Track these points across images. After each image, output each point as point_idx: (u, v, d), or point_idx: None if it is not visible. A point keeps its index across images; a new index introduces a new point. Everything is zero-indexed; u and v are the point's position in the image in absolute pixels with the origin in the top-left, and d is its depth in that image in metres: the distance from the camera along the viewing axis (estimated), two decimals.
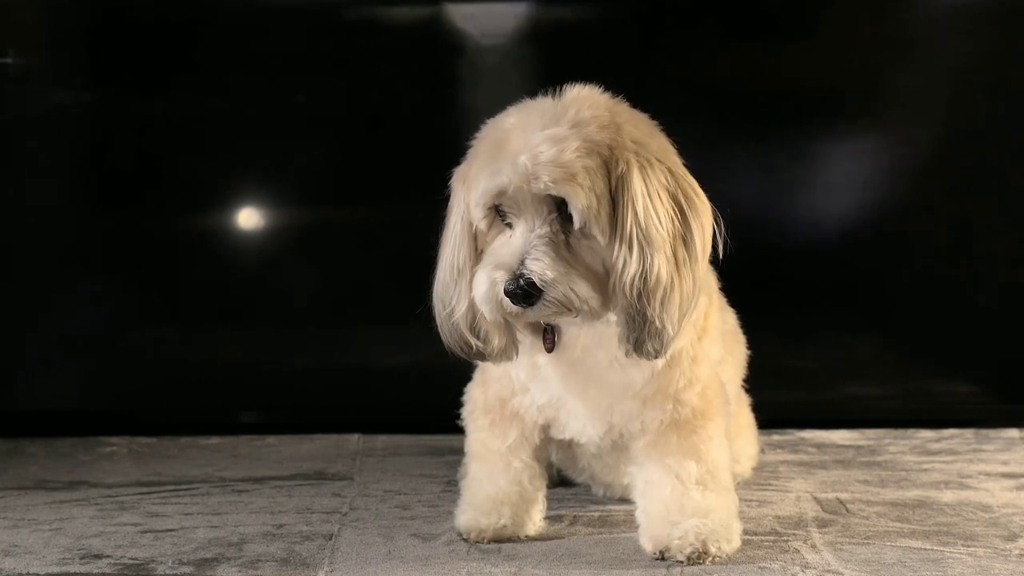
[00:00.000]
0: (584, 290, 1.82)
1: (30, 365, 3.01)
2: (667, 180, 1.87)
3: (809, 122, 2.96)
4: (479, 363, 2.09)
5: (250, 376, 3.01)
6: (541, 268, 1.80)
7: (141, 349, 2.99)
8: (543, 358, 1.98)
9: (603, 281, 1.84)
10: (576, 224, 1.83)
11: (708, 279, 2.01)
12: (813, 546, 2.03)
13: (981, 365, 3.00)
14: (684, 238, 1.86)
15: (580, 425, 2.02)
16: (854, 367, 3.02)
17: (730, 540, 1.96)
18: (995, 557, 1.97)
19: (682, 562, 1.93)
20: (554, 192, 1.82)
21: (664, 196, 1.86)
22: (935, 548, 2.02)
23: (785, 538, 2.08)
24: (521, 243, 1.83)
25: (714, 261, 2.24)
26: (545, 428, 2.07)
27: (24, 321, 2.99)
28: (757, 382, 2.40)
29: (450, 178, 2.01)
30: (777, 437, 2.82)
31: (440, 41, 2.94)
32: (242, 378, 3.01)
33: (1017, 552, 2.00)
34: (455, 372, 2.22)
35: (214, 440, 2.89)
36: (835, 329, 3.00)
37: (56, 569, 1.97)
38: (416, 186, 2.96)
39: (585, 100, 1.91)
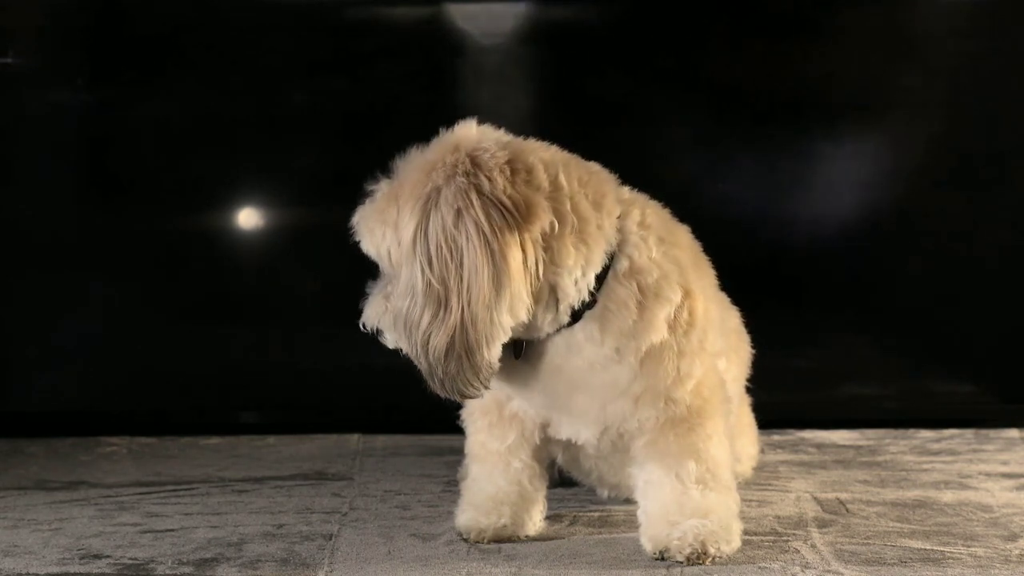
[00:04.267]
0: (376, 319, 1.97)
1: (30, 365, 3.01)
2: None
3: (809, 122, 2.96)
4: None
5: (250, 376, 3.01)
6: (367, 317, 1.96)
7: (141, 349, 2.99)
8: (520, 370, 1.97)
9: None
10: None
11: (682, 272, 1.97)
12: (813, 546, 2.03)
13: (981, 365, 3.01)
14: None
15: (574, 428, 2.02)
16: (854, 367, 3.02)
17: (729, 541, 1.95)
18: (995, 557, 1.97)
19: (681, 562, 1.92)
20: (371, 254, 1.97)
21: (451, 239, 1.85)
22: (935, 548, 2.02)
23: (785, 538, 2.08)
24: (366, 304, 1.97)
25: (713, 260, 2.25)
26: (545, 427, 2.07)
27: (24, 321, 2.99)
28: (757, 382, 2.40)
29: None
30: (777, 437, 2.82)
31: (440, 41, 2.94)
32: (242, 378, 3.01)
33: (1017, 552, 2.00)
34: None
35: (214, 440, 2.89)
36: (835, 329, 3.00)
37: (56, 569, 1.97)
38: None
39: (440, 144, 1.97)
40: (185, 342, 3.00)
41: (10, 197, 2.97)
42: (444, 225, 1.82)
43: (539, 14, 2.96)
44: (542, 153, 1.91)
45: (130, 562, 2.00)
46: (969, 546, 2.03)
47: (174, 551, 2.06)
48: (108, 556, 2.03)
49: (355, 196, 3.01)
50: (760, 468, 2.51)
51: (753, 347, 2.33)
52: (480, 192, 1.82)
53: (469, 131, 1.94)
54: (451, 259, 1.81)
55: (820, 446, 2.76)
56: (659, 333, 1.91)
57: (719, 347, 2.05)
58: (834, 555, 1.99)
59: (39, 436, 2.89)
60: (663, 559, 1.94)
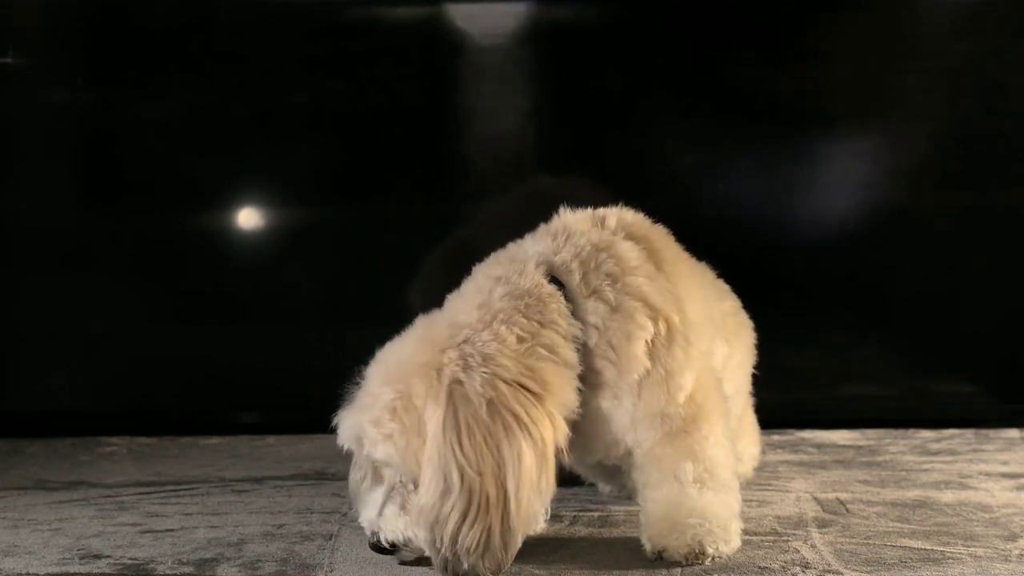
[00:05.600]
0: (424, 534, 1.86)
1: (30, 365, 3.01)
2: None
3: (810, 122, 2.96)
4: None
5: (250, 376, 3.01)
6: (388, 526, 1.90)
7: (141, 349, 2.99)
8: None
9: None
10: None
11: (646, 301, 1.95)
12: (813, 546, 2.03)
13: (981, 365, 3.01)
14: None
15: (577, 456, 2.03)
16: (854, 367, 3.02)
17: (728, 540, 1.95)
18: (995, 557, 1.97)
19: (680, 562, 1.92)
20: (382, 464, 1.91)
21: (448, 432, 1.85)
22: (935, 548, 2.02)
23: (785, 538, 2.07)
24: (367, 517, 1.92)
25: (713, 260, 2.25)
26: None
27: (24, 321, 2.99)
28: (757, 382, 2.40)
29: None
30: (777, 437, 2.82)
31: (440, 41, 2.94)
32: (242, 378, 3.01)
33: (1017, 552, 2.00)
34: None
35: (214, 440, 2.89)
36: (835, 329, 3.00)
37: (56, 569, 1.97)
38: (416, 186, 2.98)
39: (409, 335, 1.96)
40: (185, 342, 3.00)
41: (10, 197, 2.97)
42: (477, 417, 1.81)
43: (539, 14, 2.96)
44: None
45: (130, 562, 2.00)
46: (969, 546, 2.03)
47: (174, 551, 2.06)
48: (108, 556, 2.03)
49: (355, 195, 3.03)
50: (760, 468, 2.51)
51: (755, 347, 2.33)
52: (505, 380, 1.83)
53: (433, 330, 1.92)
54: (487, 449, 1.80)
55: (820, 446, 2.76)
56: (642, 364, 1.93)
57: (707, 341, 2.04)
58: (834, 555, 1.99)
59: (39, 436, 2.90)
60: (662, 559, 1.94)
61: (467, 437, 1.80)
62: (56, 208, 2.98)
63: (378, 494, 1.90)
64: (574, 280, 1.93)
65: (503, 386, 1.82)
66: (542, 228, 2.04)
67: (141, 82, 2.95)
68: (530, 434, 1.81)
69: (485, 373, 1.82)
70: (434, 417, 1.82)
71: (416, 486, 1.85)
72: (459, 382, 1.82)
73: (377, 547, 1.90)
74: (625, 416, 1.95)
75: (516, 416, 1.81)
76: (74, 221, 2.99)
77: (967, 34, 2.93)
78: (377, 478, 1.92)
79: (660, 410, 1.95)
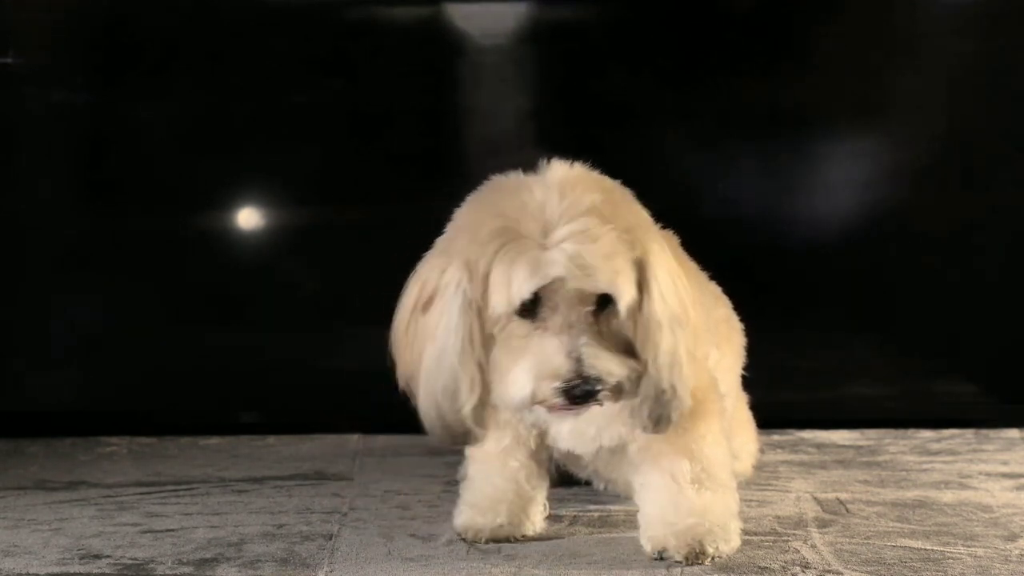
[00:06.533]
0: (625, 375, 1.82)
1: (30, 365, 3.01)
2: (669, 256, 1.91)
3: (810, 122, 2.96)
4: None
5: (250, 376, 3.01)
6: (606, 367, 1.79)
7: (141, 349, 2.99)
8: None
9: (631, 364, 1.84)
10: (621, 315, 1.83)
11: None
12: (813, 546, 2.03)
13: (981, 365, 3.00)
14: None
15: (570, 443, 2.03)
16: (854, 367, 3.02)
17: (728, 540, 1.95)
18: (995, 557, 1.97)
19: (680, 562, 1.93)
20: (605, 290, 1.80)
21: (676, 273, 1.89)
22: (935, 548, 2.02)
23: (785, 538, 2.08)
24: (568, 342, 1.79)
25: (713, 260, 2.25)
26: (540, 436, 2.07)
27: (24, 321, 2.99)
28: (757, 382, 2.40)
29: (428, 252, 1.98)
30: (777, 437, 2.82)
31: (440, 41, 2.94)
32: (242, 378, 3.01)
33: (1017, 552, 2.00)
34: None
35: (214, 440, 2.89)
36: (835, 329, 3.00)
37: (56, 569, 1.97)
38: (416, 186, 2.98)
39: (580, 182, 1.88)
40: (185, 342, 3.00)
41: (10, 197, 2.97)
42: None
43: (539, 14, 2.96)
44: None
45: (130, 562, 2.00)
46: (969, 546, 2.03)
47: (174, 551, 2.06)
48: (108, 556, 2.03)
49: (355, 196, 3.03)
50: (760, 468, 2.51)
51: (753, 347, 2.33)
52: None
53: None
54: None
55: (820, 446, 2.76)
56: None
57: (705, 346, 2.05)
58: (834, 555, 1.99)
59: (39, 436, 2.89)
60: (662, 559, 1.94)
61: (676, 278, 1.88)
62: (56, 208, 2.98)
63: (560, 338, 1.80)
64: None
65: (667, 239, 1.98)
66: None
67: (140, 82, 2.95)
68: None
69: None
70: (653, 259, 1.85)
71: (629, 323, 1.83)
72: (646, 228, 1.89)
73: (576, 395, 1.79)
74: (627, 404, 1.93)
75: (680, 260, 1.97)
76: (74, 221, 2.99)
77: (970, 34, 2.93)
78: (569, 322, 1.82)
79: None
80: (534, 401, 1.81)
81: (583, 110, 2.95)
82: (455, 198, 2.97)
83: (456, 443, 1.93)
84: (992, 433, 2.85)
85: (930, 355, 3.02)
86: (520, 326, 1.83)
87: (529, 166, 1.98)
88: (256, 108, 2.96)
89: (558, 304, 1.80)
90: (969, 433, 2.85)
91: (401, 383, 1.95)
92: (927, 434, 2.86)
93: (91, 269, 2.98)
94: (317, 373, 3.01)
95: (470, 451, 2.13)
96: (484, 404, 1.86)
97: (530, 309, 1.81)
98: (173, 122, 2.96)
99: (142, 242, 2.97)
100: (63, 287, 2.98)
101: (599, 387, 1.79)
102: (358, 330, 3.02)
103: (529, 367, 1.80)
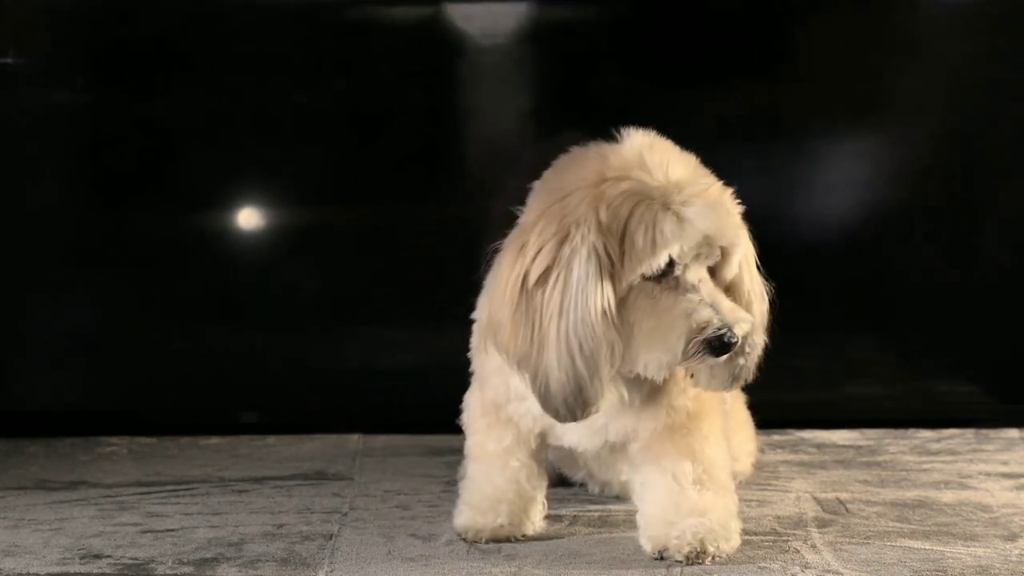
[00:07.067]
0: (753, 325, 1.86)
1: (30, 365, 3.01)
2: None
3: (810, 121, 2.96)
4: (477, 371, 2.09)
5: (250, 376, 3.01)
6: (742, 315, 1.83)
7: (141, 349, 2.99)
8: None
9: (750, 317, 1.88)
10: (731, 274, 1.87)
11: None
12: (813, 546, 2.03)
13: (981, 365, 3.00)
14: None
15: (576, 438, 2.02)
16: (854, 367, 3.02)
17: (728, 539, 1.95)
18: (995, 557, 1.97)
19: (680, 562, 1.92)
20: (732, 243, 1.85)
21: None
22: (935, 548, 2.02)
23: (785, 538, 2.08)
24: (708, 295, 1.82)
25: None
26: (542, 435, 2.07)
27: (24, 321, 2.99)
28: (757, 382, 2.40)
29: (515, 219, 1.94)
30: (777, 437, 2.82)
31: (440, 41, 2.94)
32: (242, 378, 3.01)
33: (1017, 552, 2.00)
34: (455, 372, 2.22)
35: (214, 440, 2.89)
36: (835, 329, 3.00)
37: (56, 569, 1.97)
38: (416, 186, 2.98)
39: (667, 146, 1.92)
40: (185, 342, 3.00)
41: (10, 197, 2.97)
42: None
43: (539, 14, 2.96)
44: None
45: (130, 562, 2.00)
46: (969, 546, 2.03)
47: (174, 551, 2.06)
48: (108, 556, 2.03)
49: (355, 196, 3.03)
50: (760, 468, 2.51)
51: None
52: None
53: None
54: None
55: (820, 446, 2.76)
56: None
57: None
58: (834, 555, 1.99)
59: (39, 436, 2.89)
60: (662, 559, 1.94)
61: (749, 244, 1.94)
62: (56, 208, 2.98)
63: (700, 291, 1.82)
64: None
65: None
66: None
67: (140, 82, 2.95)
68: None
69: None
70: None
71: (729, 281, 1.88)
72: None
73: (722, 345, 1.80)
74: (639, 394, 1.94)
75: None
76: (74, 221, 2.99)
77: (970, 34, 2.93)
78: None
79: (669, 400, 1.95)
80: (684, 357, 1.80)
81: (583, 110, 2.94)
82: (455, 198, 2.99)
83: (576, 417, 1.86)
84: (992, 433, 2.85)
85: (930, 355, 3.02)
86: (650, 287, 1.82)
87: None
88: (256, 108, 2.96)
89: (689, 260, 1.82)
90: (969, 433, 2.86)
91: (511, 365, 1.88)
92: (927, 434, 2.86)
93: (91, 269, 2.98)
94: (317, 373, 3.01)
95: (470, 450, 2.13)
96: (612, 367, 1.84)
97: (663, 270, 1.82)
98: (173, 122, 2.96)
99: (142, 242, 2.97)
100: (63, 287, 2.98)
101: (736, 337, 1.80)
102: (358, 330, 3.03)
103: (676, 323, 1.80)
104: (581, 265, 1.80)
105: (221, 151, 2.96)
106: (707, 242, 1.82)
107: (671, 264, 1.82)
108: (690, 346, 1.80)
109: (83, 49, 2.97)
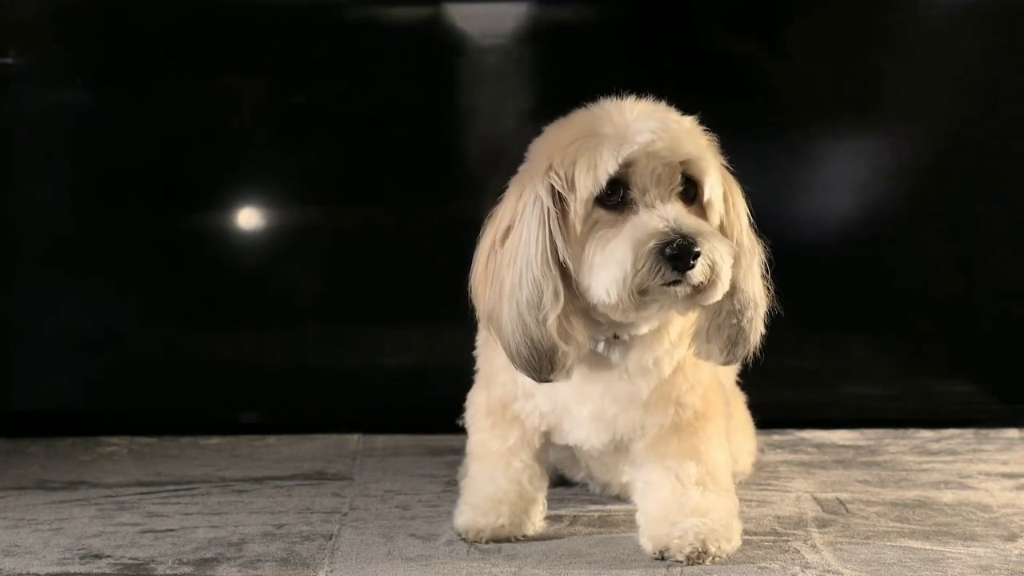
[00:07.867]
0: (726, 254, 1.80)
1: (30, 365, 3.01)
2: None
3: (809, 122, 2.96)
4: (483, 369, 2.09)
5: (250, 376, 3.01)
6: (697, 224, 1.78)
7: (141, 349, 2.99)
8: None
9: (727, 242, 1.85)
10: (705, 197, 1.84)
11: None
12: (813, 546, 2.04)
13: (981, 365, 3.00)
14: None
15: (584, 433, 2.01)
16: (854, 367, 3.02)
17: (730, 539, 1.96)
18: (995, 557, 1.97)
19: (682, 562, 1.92)
20: (690, 157, 1.81)
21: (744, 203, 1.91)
22: (935, 548, 2.02)
23: (785, 538, 2.08)
24: (660, 209, 1.78)
25: None
26: (546, 434, 2.07)
27: (24, 321, 2.99)
28: (757, 382, 2.40)
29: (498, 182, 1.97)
30: (777, 437, 2.82)
31: (440, 41, 2.94)
32: (242, 378, 3.01)
33: (1017, 552, 2.00)
34: (455, 372, 2.23)
35: (214, 440, 2.89)
36: (835, 329, 3.00)
37: (56, 569, 1.97)
38: (416, 186, 2.98)
39: (656, 105, 1.89)
40: (185, 342, 3.00)
41: (10, 197, 2.97)
42: None
43: (539, 14, 2.96)
44: None
45: (130, 562, 2.00)
46: (969, 546, 2.03)
47: (174, 551, 2.06)
48: (108, 556, 2.03)
49: (355, 196, 3.03)
50: (760, 468, 2.51)
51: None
52: None
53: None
54: None
55: (820, 446, 2.76)
56: (683, 348, 1.96)
57: None
58: (834, 555, 1.99)
59: (39, 436, 2.89)
60: (663, 559, 1.94)
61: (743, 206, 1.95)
62: (56, 207, 2.98)
63: (652, 214, 1.79)
64: None
65: None
66: None
67: (140, 82, 2.95)
68: None
69: None
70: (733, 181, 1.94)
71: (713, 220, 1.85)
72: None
73: (677, 254, 1.75)
74: (646, 389, 1.95)
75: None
76: (74, 220, 2.99)
77: (970, 34, 2.93)
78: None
79: (677, 397, 1.96)
80: (634, 278, 1.75)
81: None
82: (455, 198, 2.99)
83: (543, 372, 1.85)
84: (992, 433, 2.85)
85: (930, 355, 3.02)
86: (608, 216, 1.81)
87: None
88: (256, 108, 2.96)
89: (646, 184, 1.80)
90: (969, 433, 2.86)
91: (483, 323, 1.92)
92: (927, 434, 2.86)
93: (91, 269, 2.98)
94: (317, 373, 3.01)
95: (472, 449, 2.13)
96: (568, 315, 1.82)
97: (617, 196, 1.80)
98: (173, 122, 2.96)
99: (142, 242, 2.97)
100: (63, 287, 2.98)
101: (696, 245, 1.75)
102: (358, 330, 3.03)
103: (624, 238, 1.78)
104: (526, 216, 1.83)
105: (221, 151, 2.96)
106: (657, 158, 1.79)
107: (625, 190, 1.80)
108: (640, 256, 1.76)
109: (83, 49, 2.97)
